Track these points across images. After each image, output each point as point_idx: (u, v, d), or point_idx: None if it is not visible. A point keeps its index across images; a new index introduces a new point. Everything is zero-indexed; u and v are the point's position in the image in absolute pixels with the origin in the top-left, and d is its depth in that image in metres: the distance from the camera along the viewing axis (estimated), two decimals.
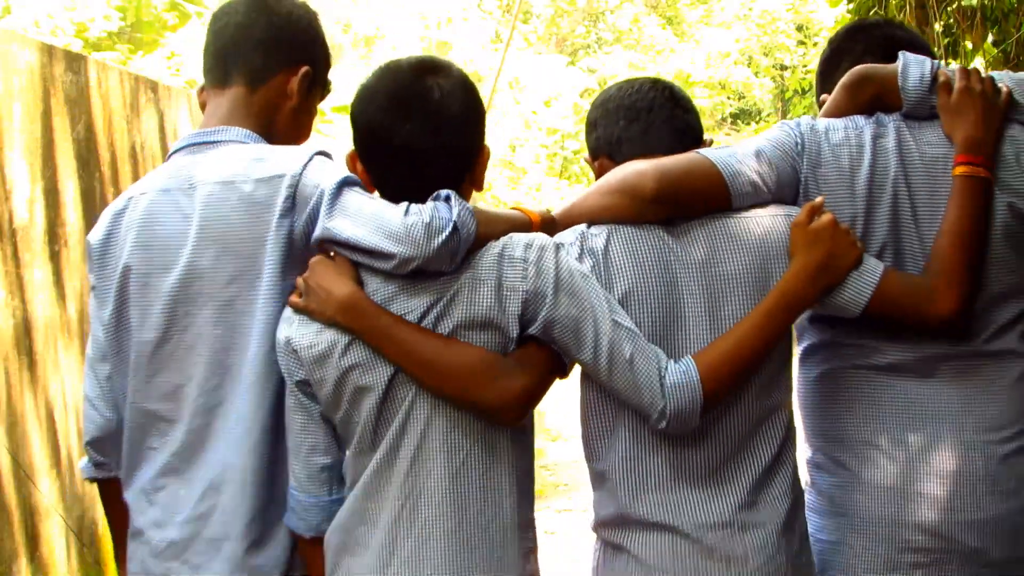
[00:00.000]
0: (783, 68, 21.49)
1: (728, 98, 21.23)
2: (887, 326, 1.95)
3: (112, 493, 2.07)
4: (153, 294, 1.93)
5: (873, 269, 1.89)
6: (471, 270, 1.79)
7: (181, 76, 13.21)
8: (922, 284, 1.91)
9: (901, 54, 2.04)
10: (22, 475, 3.41)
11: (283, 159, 1.88)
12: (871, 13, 7.50)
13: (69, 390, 3.67)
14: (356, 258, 1.81)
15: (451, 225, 1.73)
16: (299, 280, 1.83)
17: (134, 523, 1.98)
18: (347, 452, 1.85)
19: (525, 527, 1.87)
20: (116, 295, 1.96)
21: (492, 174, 17.80)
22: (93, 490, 3.80)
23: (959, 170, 1.93)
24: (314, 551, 1.87)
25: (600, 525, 1.94)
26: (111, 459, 2.05)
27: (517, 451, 1.86)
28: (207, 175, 1.90)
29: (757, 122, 22.98)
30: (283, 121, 2.01)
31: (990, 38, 7.01)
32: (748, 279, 1.87)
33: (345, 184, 1.82)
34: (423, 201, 1.77)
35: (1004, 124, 1.97)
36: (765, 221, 1.92)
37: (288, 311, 1.84)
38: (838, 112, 2.06)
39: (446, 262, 1.76)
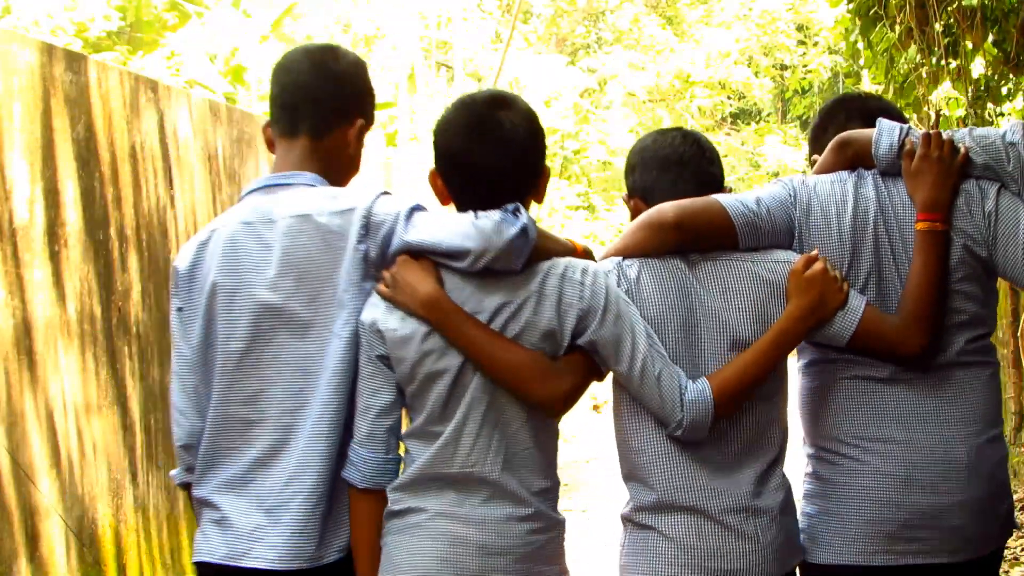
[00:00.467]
0: (783, 68, 21.46)
1: (728, 98, 21.21)
2: None
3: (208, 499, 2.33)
4: (238, 311, 2.24)
5: (856, 309, 2.29)
6: (538, 285, 2.17)
7: (181, 76, 13.19)
8: (896, 324, 2.31)
9: (878, 122, 2.42)
10: (22, 475, 3.41)
11: (354, 196, 2.23)
12: (871, 13, 7.50)
13: (69, 390, 3.67)
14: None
15: (520, 225, 2.10)
16: (386, 273, 2.17)
17: (217, 511, 2.25)
18: (416, 421, 2.20)
19: (554, 490, 2.25)
20: (204, 314, 2.27)
21: None
22: (93, 490, 3.81)
23: (920, 226, 2.32)
24: (361, 500, 2.19)
25: (636, 510, 2.29)
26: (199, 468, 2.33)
27: (548, 429, 2.25)
28: (285, 211, 2.23)
29: (757, 122, 22.95)
30: (343, 164, 2.37)
31: (990, 38, 7.00)
32: (753, 315, 2.28)
33: (416, 208, 2.19)
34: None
35: (961, 180, 2.36)
36: (768, 265, 2.31)
37: (375, 296, 2.18)
38: (826, 169, 2.46)
39: (513, 259, 2.12)
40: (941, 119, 7.60)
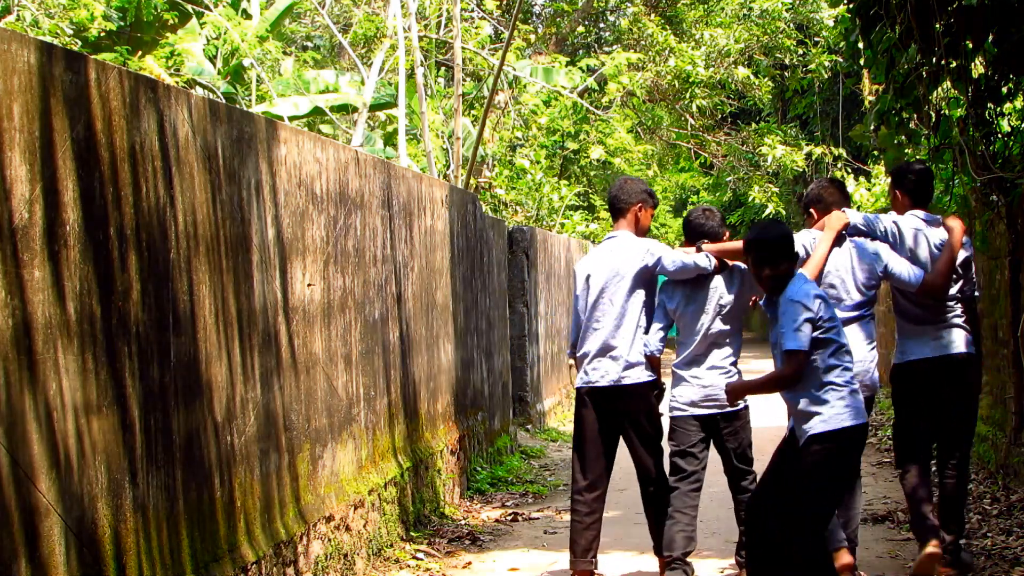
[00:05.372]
0: (783, 68, 21.44)
1: (728, 98, 21.19)
2: None
3: (582, 360, 6.15)
4: (594, 284, 6.12)
5: None
6: (725, 276, 6.03)
7: (181, 76, 13.15)
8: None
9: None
10: (22, 475, 3.41)
11: (644, 243, 6.14)
12: (871, 13, 7.49)
13: (69, 390, 3.66)
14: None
15: (704, 260, 5.96)
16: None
17: (585, 365, 6.14)
18: (681, 333, 6.12)
19: (736, 363, 6.17)
20: (583, 285, 6.17)
21: (492, 174, 17.76)
22: (93, 490, 3.80)
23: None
24: (654, 361, 6.12)
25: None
26: (578, 349, 6.21)
27: (736, 336, 6.18)
28: (615, 248, 6.17)
29: (757, 122, 22.93)
30: (640, 226, 6.27)
31: (990, 38, 7.00)
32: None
33: (668, 250, 6.12)
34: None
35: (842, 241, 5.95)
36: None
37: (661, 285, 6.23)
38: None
39: (705, 271, 5.94)
40: (941, 119, 7.59)
